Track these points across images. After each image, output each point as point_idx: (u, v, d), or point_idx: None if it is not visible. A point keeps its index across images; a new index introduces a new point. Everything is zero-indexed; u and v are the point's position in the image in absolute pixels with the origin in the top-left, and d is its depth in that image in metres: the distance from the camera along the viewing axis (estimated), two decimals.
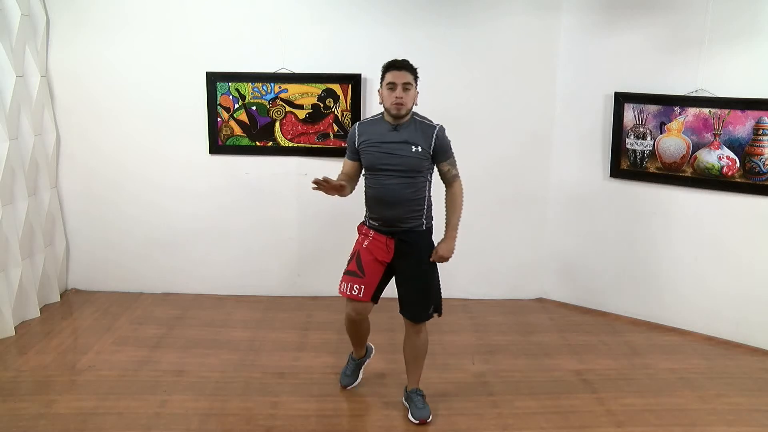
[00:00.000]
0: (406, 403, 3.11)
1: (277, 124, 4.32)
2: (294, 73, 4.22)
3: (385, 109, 2.86)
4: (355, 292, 2.91)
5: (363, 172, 2.98)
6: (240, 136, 4.33)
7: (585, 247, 4.42)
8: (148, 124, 4.34)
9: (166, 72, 4.26)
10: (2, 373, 3.38)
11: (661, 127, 3.97)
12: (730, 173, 3.79)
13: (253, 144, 4.34)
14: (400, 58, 2.86)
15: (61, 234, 4.47)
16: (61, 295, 4.45)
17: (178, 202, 4.45)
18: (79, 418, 2.98)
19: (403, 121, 2.85)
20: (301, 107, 4.29)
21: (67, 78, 4.28)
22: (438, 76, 4.27)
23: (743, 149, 3.72)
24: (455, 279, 4.57)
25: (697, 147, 3.87)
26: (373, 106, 4.25)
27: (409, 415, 3.02)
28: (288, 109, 4.29)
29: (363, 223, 3.04)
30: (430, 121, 2.92)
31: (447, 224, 2.95)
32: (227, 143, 4.35)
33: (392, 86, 2.78)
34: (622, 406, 3.18)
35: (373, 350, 3.44)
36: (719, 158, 3.81)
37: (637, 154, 4.08)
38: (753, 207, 3.76)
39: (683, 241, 4.03)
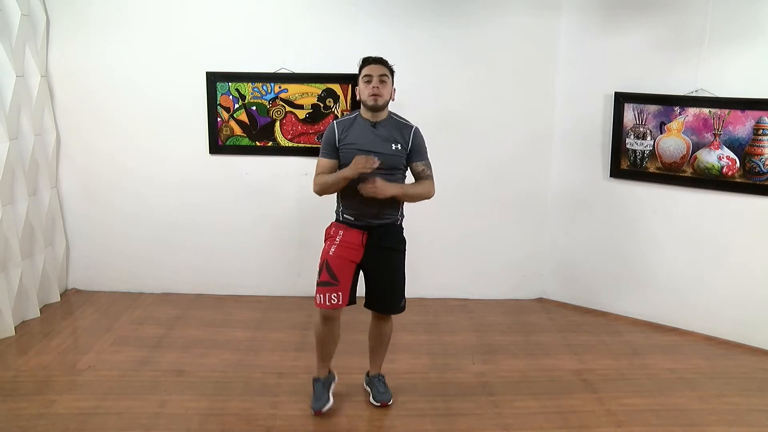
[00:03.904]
0: (367, 388, 3.19)
1: (277, 124, 4.32)
2: (294, 73, 4.22)
3: (362, 103, 2.89)
4: (333, 301, 2.87)
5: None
6: (240, 136, 4.33)
7: (585, 247, 4.42)
8: (148, 124, 4.34)
9: (166, 72, 4.26)
10: (2, 373, 3.37)
11: (661, 127, 3.97)
12: (730, 173, 3.79)
13: (253, 144, 4.34)
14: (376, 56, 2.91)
15: (61, 234, 4.47)
16: (61, 295, 4.45)
17: (178, 202, 4.45)
18: (79, 418, 2.97)
19: (381, 119, 2.89)
20: (301, 107, 4.29)
21: (67, 78, 4.27)
22: (438, 76, 4.28)
23: (743, 149, 3.72)
24: (455, 279, 4.59)
25: (697, 147, 3.87)
26: None
27: (371, 399, 3.12)
28: (288, 109, 4.29)
29: (335, 221, 3.03)
30: (407, 120, 2.96)
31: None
32: (227, 143, 4.35)
33: (369, 78, 2.83)
34: (622, 406, 3.18)
35: (336, 377, 3.20)
36: (719, 158, 3.81)
37: (637, 154, 4.08)
38: (753, 207, 3.76)
39: (683, 241, 4.03)
